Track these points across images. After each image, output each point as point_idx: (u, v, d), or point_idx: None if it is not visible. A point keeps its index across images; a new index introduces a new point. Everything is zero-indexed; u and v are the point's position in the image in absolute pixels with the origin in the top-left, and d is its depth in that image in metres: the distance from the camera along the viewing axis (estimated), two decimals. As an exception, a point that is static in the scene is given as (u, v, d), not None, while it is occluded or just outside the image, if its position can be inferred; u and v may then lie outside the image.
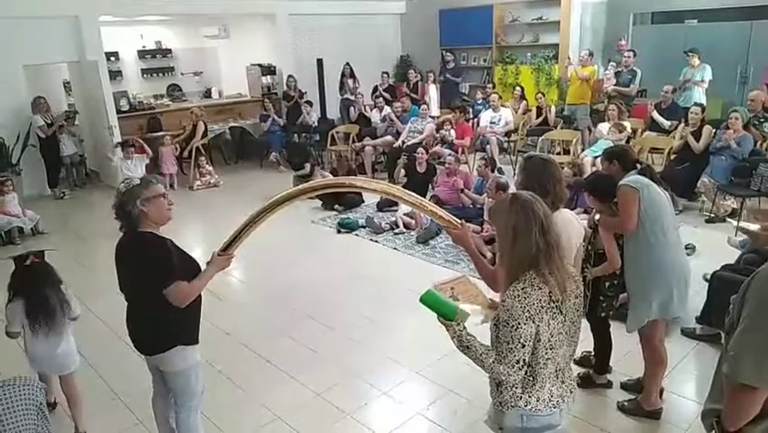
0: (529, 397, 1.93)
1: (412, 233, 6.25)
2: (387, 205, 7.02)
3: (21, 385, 2.48)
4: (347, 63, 10.29)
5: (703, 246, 5.33)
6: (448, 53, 10.89)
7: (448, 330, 1.97)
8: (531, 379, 1.92)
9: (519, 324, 1.81)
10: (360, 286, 5.10)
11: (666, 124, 7.41)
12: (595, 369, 3.54)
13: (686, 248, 4.74)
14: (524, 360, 1.85)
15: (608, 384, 3.51)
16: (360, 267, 5.61)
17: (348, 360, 3.92)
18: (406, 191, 2.68)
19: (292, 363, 3.87)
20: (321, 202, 7.36)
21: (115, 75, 10.53)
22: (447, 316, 1.98)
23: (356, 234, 6.41)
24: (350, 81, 10.31)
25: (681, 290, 3.09)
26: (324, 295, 4.92)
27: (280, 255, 5.85)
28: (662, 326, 3.20)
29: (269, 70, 10.59)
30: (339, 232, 6.50)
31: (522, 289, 1.83)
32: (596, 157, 7.11)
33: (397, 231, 6.30)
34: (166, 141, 8.77)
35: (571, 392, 2.03)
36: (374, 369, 3.81)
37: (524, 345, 1.83)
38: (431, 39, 11.41)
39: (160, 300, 2.44)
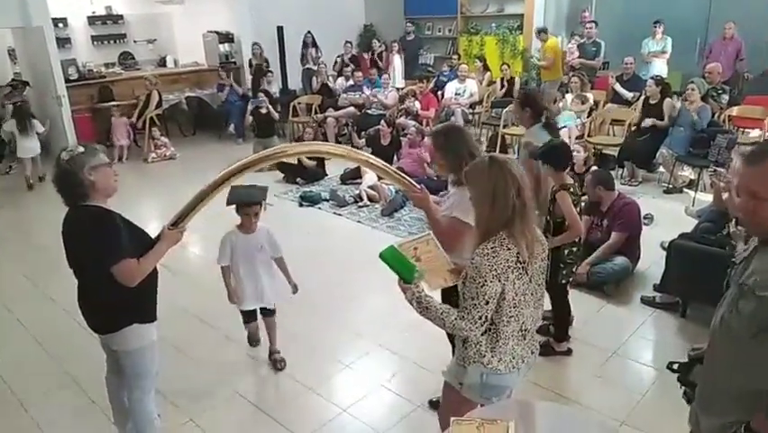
0: (492, 356, 1.98)
1: (376, 206, 6.17)
2: (350, 178, 6.93)
3: None
4: (308, 32, 10.00)
5: (661, 216, 5.43)
6: (408, 23, 10.66)
7: (406, 293, 1.99)
8: (495, 336, 1.97)
9: (486, 281, 1.86)
10: (323, 260, 5.00)
11: (628, 95, 7.46)
12: (555, 337, 3.57)
13: (644, 218, 4.82)
14: (486, 316, 1.90)
15: (568, 352, 3.55)
16: (322, 241, 5.51)
17: (310, 334, 3.86)
18: (369, 155, 2.68)
19: (252, 339, 3.78)
20: (282, 175, 7.21)
21: (64, 42, 9.95)
22: (405, 275, 2.00)
23: (319, 208, 6.29)
24: (312, 51, 10.05)
25: None
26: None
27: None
28: None
29: (226, 38, 10.21)
30: (301, 205, 6.37)
31: (491, 248, 1.88)
32: (559, 129, 7.14)
33: (360, 204, 6.21)
34: (115, 112, 8.41)
35: (532, 353, 2.09)
36: (337, 343, 3.76)
37: (487, 303, 1.88)
38: (395, 8, 11.19)
39: (110, 278, 2.30)
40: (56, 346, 3.80)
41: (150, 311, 2.54)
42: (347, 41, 10.15)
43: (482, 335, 1.96)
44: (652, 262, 4.51)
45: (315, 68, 9.73)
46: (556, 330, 3.58)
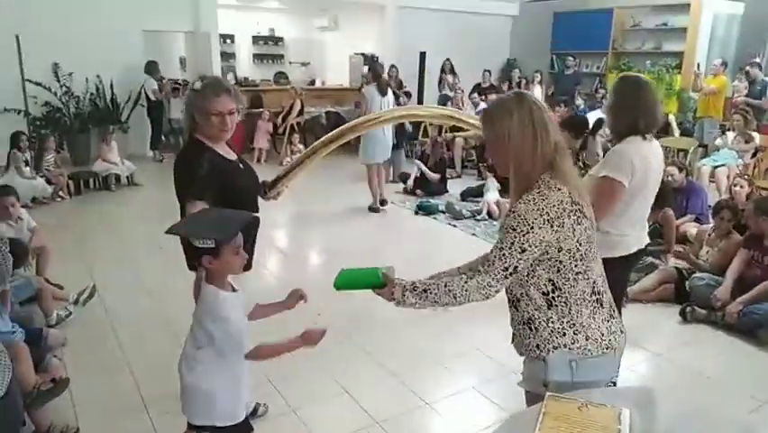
0: (575, 332, 1.57)
1: (494, 223, 5.83)
2: (471, 195, 6.69)
3: None
4: (447, 59, 10.08)
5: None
6: (569, 57, 10.26)
7: (394, 295, 1.63)
8: (563, 305, 1.57)
9: (532, 228, 1.51)
10: (432, 263, 4.73)
11: (804, 139, 6.46)
12: None
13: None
14: (515, 267, 1.54)
15: None
16: (433, 247, 5.28)
17: (411, 333, 3.55)
18: (472, 116, 2.50)
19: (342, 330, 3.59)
20: (403, 186, 7.17)
21: (229, 57, 11.03)
22: (374, 281, 1.67)
23: (434, 218, 6.10)
24: (449, 77, 10.09)
25: None
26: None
27: (351, 232, 5.67)
28: None
29: (371, 60, 10.59)
30: (416, 213, 6.23)
31: (538, 192, 1.54)
32: (716, 167, 6.35)
33: (479, 218, 5.92)
34: (263, 116, 8.98)
35: (621, 332, 1.65)
36: (435, 341, 3.48)
37: (524, 251, 1.52)
38: (540, 42, 10.94)
39: None
40: (162, 292, 3.95)
41: None
42: (486, 70, 10.03)
43: (549, 309, 1.58)
44: None
45: (452, 94, 9.72)
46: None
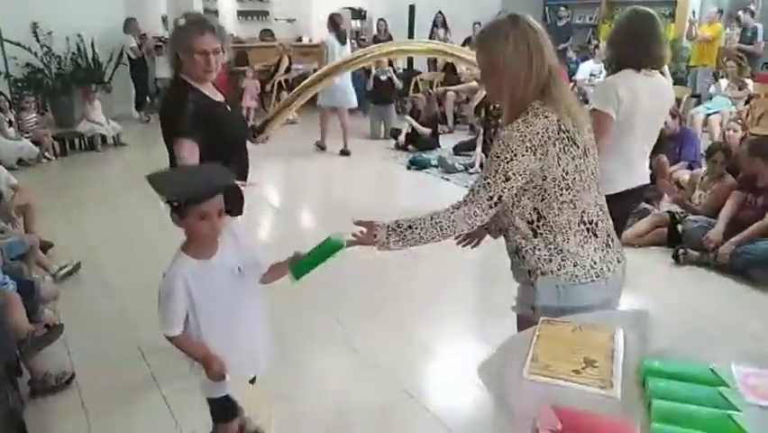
0: (562, 259, 1.56)
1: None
2: (463, 149, 6.64)
3: None
4: (440, 12, 9.84)
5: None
6: (561, 8, 10.02)
7: (376, 239, 1.57)
8: (549, 233, 1.57)
9: (515, 155, 1.48)
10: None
11: (798, 85, 6.40)
12: None
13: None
14: (499, 197, 1.52)
15: None
16: (427, 200, 5.26)
17: (413, 288, 3.57)
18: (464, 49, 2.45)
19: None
20: (394, 142, 7.10)
21: (212, 14, 10.69)
22: (334, 249, 1.58)
23: (427, 172, 6.07)
24: (441, 31, 9.86)
25: None
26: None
27: (343, 187, 5.64)
28: None
29: (359, 14, 10.37)
30: (409, 168, 6.18)
31: (523, 120, 1.51)
32: (709, 115, 6.32)
33: (472, 171, 5.88)
34: (248, 74, 8.79)
35: (619, 261, 1.63)
36: (433, 294, 3.53)
37: (507, 180, 1.50)
38: (533, -6, 10.65)
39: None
40: (153, 247, 3.90)
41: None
42: (476, 23, 9.81)
43: (534, 237, 1.58)
44: None
45: (442, 47, 9.54)
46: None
